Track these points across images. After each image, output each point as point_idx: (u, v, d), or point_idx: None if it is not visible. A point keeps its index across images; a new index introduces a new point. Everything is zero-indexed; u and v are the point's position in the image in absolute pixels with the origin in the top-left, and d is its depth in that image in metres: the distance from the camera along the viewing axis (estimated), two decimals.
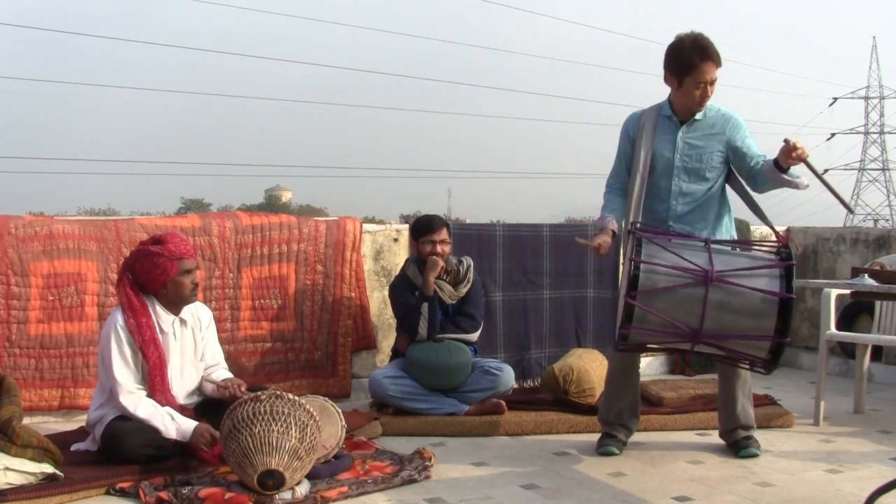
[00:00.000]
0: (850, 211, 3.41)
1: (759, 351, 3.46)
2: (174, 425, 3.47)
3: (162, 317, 3.66)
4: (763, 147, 3.82)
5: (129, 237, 4.44)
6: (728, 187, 3.97)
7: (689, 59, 3.70)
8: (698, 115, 3.83)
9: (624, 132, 3.98)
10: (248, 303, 4.77)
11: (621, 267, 3.83)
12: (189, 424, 3.50)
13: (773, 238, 3.83)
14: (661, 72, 3.83)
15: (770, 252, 3.62)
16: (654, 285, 3.38)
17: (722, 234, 3.91)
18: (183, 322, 3.74)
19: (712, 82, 3.73)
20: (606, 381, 4.11)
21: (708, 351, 3.55)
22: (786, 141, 3.53)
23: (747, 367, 3.69)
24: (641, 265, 3.38)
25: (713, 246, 3.57)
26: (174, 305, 3.68)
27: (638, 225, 3.64)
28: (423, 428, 4.30)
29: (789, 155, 3.53)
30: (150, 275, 3.60)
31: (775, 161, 3.63)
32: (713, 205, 3.90)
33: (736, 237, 4.07)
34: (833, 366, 5.88)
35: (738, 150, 3.80)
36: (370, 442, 4.02)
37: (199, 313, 3.83)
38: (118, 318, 3.55)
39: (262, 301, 4.81)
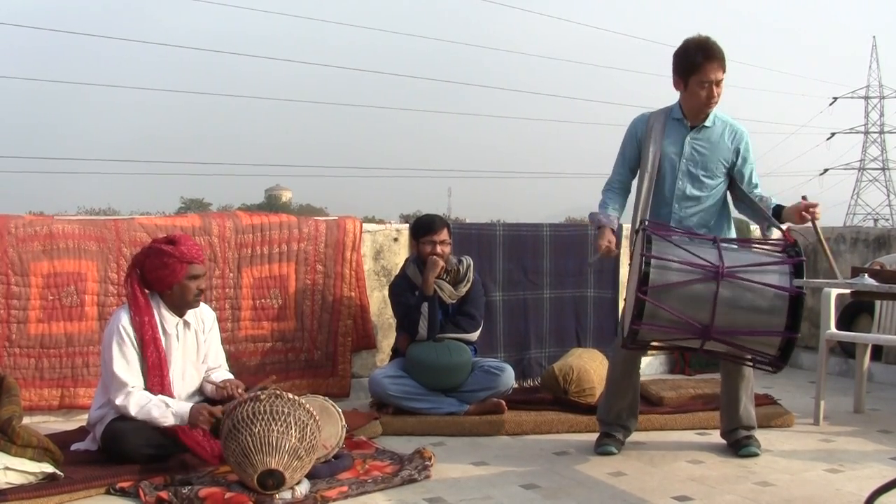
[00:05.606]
0: (836, 277, 3.50)
1: (769, 348, 3.47)
2: (170, 411, 3.47)
3: (166, 318, 3.66)
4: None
5: (129, 237, 4.44)
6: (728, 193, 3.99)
7: (693, 59, 3.74)
8: (707, 122, 3.85)
9: (631, 133, 3.99)
10: (248, 302, 4.77)
11: (625, 266, 3.84)
12: (185, 407, 3.49)
13: (780, 236, 3.83)
14: (662, 72, 3.88)
15: (777, 250, 3.62)
16: (665, 281, 3.38)
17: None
18: (187, 324, 3.74)
19: (718, 83, 3.75)
20: (607, 382, 4.11)
21: (717, 349, 3.55)
22: (804, 198, 3.59)
23: (752, 364, 3.70)
24: (652, 261, 3.37)
25: (722, 244, 3.58)
26: (178, 308, 3.68)
27: (647, 223, 3.65)
28: (423, 428, 4.30)
29: (800, 213, 3.62)
30: (158, 274, 3.60)
31: (775, 210, 3.73)
32: (715, 210, 3.92)
33: None
34: (833, 365, 5.88)
35: (738, 167, 3.88)
36: (370, 441, 4.02)
37: (202, 315, 3.83)
38: (121, 318, 3.56)
39: (262, 301, 4.81)
